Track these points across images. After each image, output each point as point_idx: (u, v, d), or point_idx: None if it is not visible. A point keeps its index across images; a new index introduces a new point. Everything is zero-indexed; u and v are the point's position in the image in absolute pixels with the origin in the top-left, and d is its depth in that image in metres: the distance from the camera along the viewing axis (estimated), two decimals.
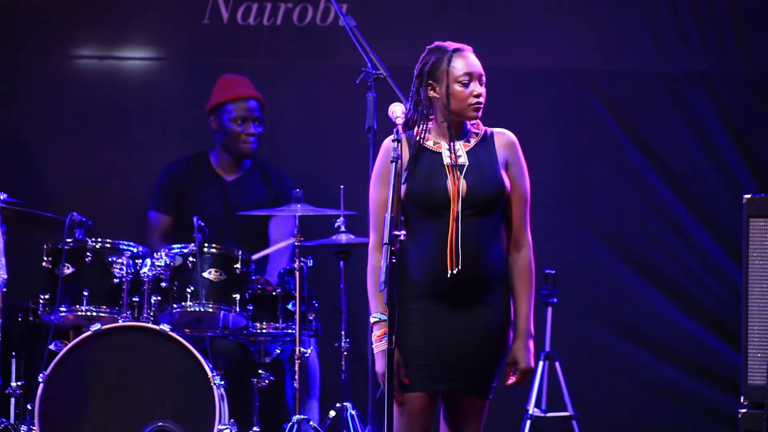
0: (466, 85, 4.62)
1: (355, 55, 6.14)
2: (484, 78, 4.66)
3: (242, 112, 7.32)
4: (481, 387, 4.64)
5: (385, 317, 4.48)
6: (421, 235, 4.62)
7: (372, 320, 4.63)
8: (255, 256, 6.88)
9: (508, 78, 7.76)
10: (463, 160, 4.63)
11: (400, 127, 4.59)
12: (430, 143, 4.66)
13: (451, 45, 4.69)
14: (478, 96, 4.62)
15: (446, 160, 4.62)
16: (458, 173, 4.60)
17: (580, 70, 7.87)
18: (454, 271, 4.55)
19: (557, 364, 7.22)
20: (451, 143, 4.64)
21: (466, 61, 4.64)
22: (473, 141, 4.68)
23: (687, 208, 7.80)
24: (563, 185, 7.86)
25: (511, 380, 4.68)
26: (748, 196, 5.84)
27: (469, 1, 7.87)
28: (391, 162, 4.51)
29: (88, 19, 7.89)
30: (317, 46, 7.91)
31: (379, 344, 4.60)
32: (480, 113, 4.65)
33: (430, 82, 4.65)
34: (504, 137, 4.71)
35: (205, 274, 6.54)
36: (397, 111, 4.66)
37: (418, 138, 4.65)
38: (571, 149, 7.88)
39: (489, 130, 4.72)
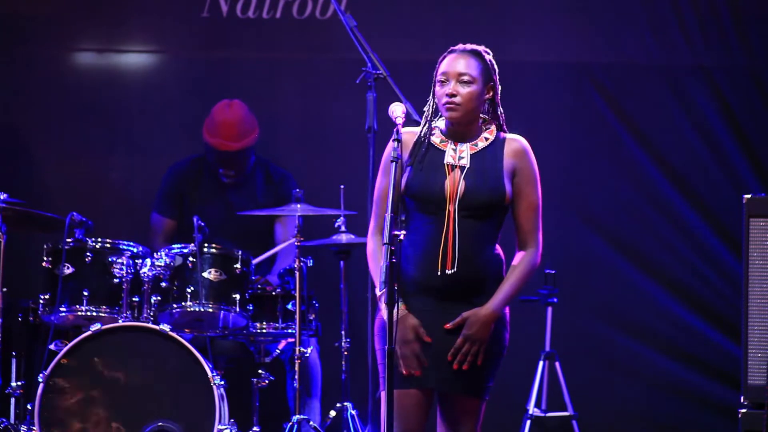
0: (442, 85, 4.63)
1: (356, 49, 6.13)
2: (468, 77, 4.62)
3: (224, 158, 7.26)
4: (475, 387, 4.64)
5: None
6: (417, 232, 4.64)
7: (378, 292, 4.60)
8: (255, 260, 6.85)
9: (507, 72, 7.64)
10: (465, 161, 4.63)
11: (399, 127, 4.59)
12: (437, 140, 4.67)
13: (457, 47, 4.69)
14: (451, 96, 4.60)
15: (447, 159, 4.61)
16: (459, 174, 4.59)
17: (580, 64, 7.85)
18: (449, 271, 4.55)
19: (557, 363, 7.22)
20: (457, 143, 4.63)
21: (446, 61, 4.66)
22: (481, 144, 4.67)
23: (687, 203, 7.79)
24: (563, 181, 7.83)
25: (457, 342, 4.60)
26: (748, 196, 5.84)
27: None
28: (391, 162, 4.52)
29: (87, 12, 7.87)
30: (317, 39, 7.88)
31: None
32: (455, 114, 4.60)
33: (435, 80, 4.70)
34: (514, 144, 4.69)
35: (205, 274, 6.53)
36: (397, 111, 4.66)
37: (423, 132, 4.67)
38: (571, 144, 7.86)
39: (503, 135, 4.70)
